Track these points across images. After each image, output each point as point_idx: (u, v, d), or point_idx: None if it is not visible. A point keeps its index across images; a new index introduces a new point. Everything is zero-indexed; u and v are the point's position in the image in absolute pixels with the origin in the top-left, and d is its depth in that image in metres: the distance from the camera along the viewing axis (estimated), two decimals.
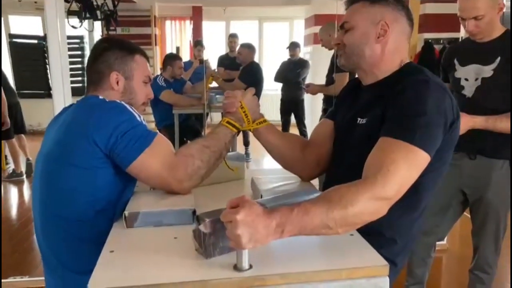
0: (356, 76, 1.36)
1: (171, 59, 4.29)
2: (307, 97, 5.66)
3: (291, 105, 5.64)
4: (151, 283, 0.85)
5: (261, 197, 1.26)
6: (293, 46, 5.70)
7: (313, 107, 6.03)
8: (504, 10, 1.79)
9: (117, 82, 1.34)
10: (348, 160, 1.25)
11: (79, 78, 6.71)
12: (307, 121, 5.81)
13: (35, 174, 1.33)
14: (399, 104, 1.09)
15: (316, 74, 6.52)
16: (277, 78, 5.62)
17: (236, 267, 0.90)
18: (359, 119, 1.23)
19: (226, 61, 5.62)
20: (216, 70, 4.94)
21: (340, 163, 1.30)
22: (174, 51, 6.88)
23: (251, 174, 1.57)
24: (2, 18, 6.52)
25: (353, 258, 0.93)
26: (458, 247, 3.13)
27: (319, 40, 3.79)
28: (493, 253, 1.97)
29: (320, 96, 3.98)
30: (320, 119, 3.87)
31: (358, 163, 1.08)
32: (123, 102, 1.27)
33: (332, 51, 3.76)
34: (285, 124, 5.74)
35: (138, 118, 1.25)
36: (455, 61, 1.94)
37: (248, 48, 4.76)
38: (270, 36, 8.72)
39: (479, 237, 2.00)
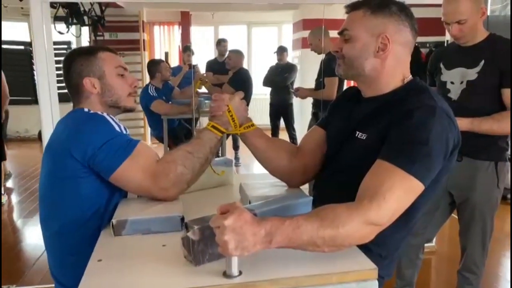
0: (353, 84, 1.35)
1: (156, 65, 4.25)
2: (296, 101, 5.68)
3: (280, 109, 5.65)
4: None
5: (250, 203, 1.26)
6: (281, 51, 5.72)
7: (303, 111, 6.05)
8: (488, 14, 1.82)
9: (93, 86, 1.33)
10: (342, 171, 1.23)
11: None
12: (296, 125, 5.83)
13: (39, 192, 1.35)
14: (403, 129, 1.06)
15: (305, 78, 6.55)
16: (265, 83, 5.64)
17: (226, 274, 0.90)
18: (358, 132, 1.19)
19: (215, 66, 5.61)
20: (205, 75, 4.92)
21: (333, 172, 1.27)
22: (163, 57, 6.85)
23: (239, 180, 1.57)
24: None
25: (343, 263, 0.94)
26: (447, 248, 3.16)
27: (309, 44, 3.81)
28: (480, 253, 1.99)
29: (309, 100, 4.00)
30: (310, 123, 3.90)
31: (353, 175, 1.08)
32: (104, 114, 1.28)
33: (321, 56, 3.78)
34: (275, 128, 5.75)
35: (118, 128, 1.25)
36: (441, 65, 1.96)
37: (237, 53, 4.77)
38: (258, 41, 8.73)
39: (466, 238, 2.02)
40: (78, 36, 6.29)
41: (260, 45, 8.69)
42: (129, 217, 1.12)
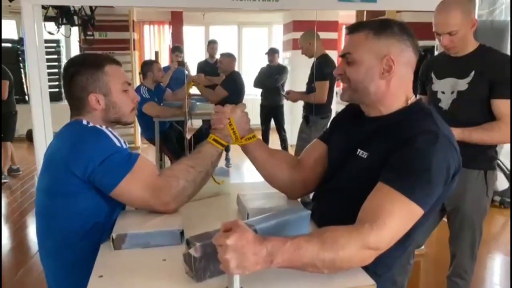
0: None
1: (148, 65, 4.23)
2: (287, 103, 5.70)
3: (271, 110, 5.68)
4: None
5: (248, 215, 1.28)
6: (272, 52, 5.74)
7: (294, 112, 6.09)
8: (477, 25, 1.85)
9: (98, 102, 1.31)
10: (342, 188, 1.23)
11: (56, 83, 6.58)
12: (286, 126, 5.85)
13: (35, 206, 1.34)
14: (406, 155, 1.06)
15: (295, 80, 6.58)
16: (256, 84, 5.65)
17: None
18: (359, 150, 1.19)
19: (205, 67, 5.61)
20: (197, 76, 4.90)
21: (333, 188, 1.28)
22: (153, 56, 6.81)
23: (235, 189, 1.59)
24: None
25: (343, 278, 0.96)
26: (436, 251, 3.21)
27: (300, 47, 3.82)
28: (469, 259, 2.03)
29: (300, 103, 4.02)
30: (301, 126, 3.92)
31: (352, 194, 1.09)
32: (103, 128, 1.26)
33: (312, 59, 3.80)
34: (265, 130, 5.77)
35: (118, 143, 1.24)
36: (432, 74, 2.00)
37: (229, 57, 4.75)
38: (249, 41, 8.74)
39: (456, 245, 2.06)
40: (68, 36, 6.24)
41: (250, 46, 8.70)
42: (128, 231, 1.13)
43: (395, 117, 1.19)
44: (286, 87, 5.96)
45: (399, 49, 1.15)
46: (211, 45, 5.68)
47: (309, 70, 3.87)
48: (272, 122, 5.78)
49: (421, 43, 4.34)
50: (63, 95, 1.40)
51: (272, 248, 0.88)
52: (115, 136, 1.26)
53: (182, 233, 1.15)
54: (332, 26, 6.85)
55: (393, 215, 0.99)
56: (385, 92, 1.18)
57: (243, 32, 8.68)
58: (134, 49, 7.00)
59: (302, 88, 4.05)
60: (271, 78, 5.56)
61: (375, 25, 1.18)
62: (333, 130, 1.40)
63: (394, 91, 1.18)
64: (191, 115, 4.07)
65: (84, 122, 1.30)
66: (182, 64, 4.98)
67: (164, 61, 7.23)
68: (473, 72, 1.82)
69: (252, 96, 6.42)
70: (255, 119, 5.97)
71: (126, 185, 1.19)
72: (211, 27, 8.52)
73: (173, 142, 4.28)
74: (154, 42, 8.09)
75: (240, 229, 0.87)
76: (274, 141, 5.80)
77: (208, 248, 0.95)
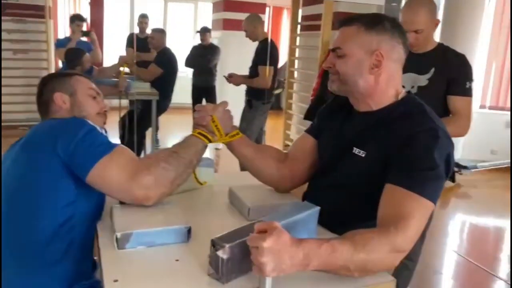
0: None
1: (78, 57, 3.72)
2: (218, 83, 5.64)
3: (203, 91, 5.57)
4: None
5: (249, 212, 1.25)
6: (204, 31, 5.58)
7: (224, 93, 6.05)
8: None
9: (63, 101, 1.33)
10: (338, 187, 1.24)
11: None
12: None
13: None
14: (410, 154, 1.08)
15: (226, 61, 6.52)
16: (188, 64, 5.50)
17: None
18: (355, 149, 1.20)
19: (136, 43, 5.30)
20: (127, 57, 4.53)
21: (328, 186, 1.28)
22: (67, 27, 6.24)
23: (220, 180, 1.56)
24: None
25: (366, 277, 0.98)
26: None
27: (244, 30, 3.76)
28: (418, 243, 2.19)
29: (242, 87, 3.98)
30: (243, 110, 3.91)
31: (351, 192, 1.13)
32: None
33: (256, 43, 3.78)
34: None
35: (100, 130, 1.23)
36: None
37: (160, 32, 4.55)
38: (175, 18, 8.43)
39: None
40: None
41: (177, 22, 8.41)
42: (134, 229, 1.05)
43: (387, 112, 1.20)
44: (220, 69, 5.89)
45: (389, 45, 1.17)
46: (142, 19, 5.37)
47: (240, 52, 3.83)
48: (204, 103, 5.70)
49: None
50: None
51: (308, 251, 0.88)
52: (97, 126, 1.23)
53: (189, 230, 1.09)
54: (261, 8, 6.85)
55: (413, 216, 1.01)
56: (374, 87, 1.19)
57: (169, 7, 8.34)
58: (50, 18, 6.38)
59: (233, 70, 4.01)
60: (203, 58, 5.44)
61: (367, 19, 1.19)
62: (322, 123, 1.39)
63: (383, 86, 1.19)
64: (127, 95, 3.85)
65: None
66: (86, 34, 4.63)
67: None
68: (433, 69, 1.95)
69: (183, 75, 6.25)
70: (185, 98, 5.85)
71: (104, 166, 1.13)
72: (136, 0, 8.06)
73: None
74: (69, 12, 7.46)
75: (277, 231, 0.85)
76: None
77: (235, 249, 0.92)
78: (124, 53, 5.15)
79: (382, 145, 1.15)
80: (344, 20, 1.22)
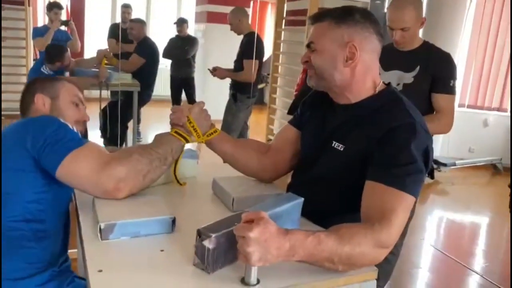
0: None
1: (59, 54, 3.63)
2: (202, 76, 5.61)
3: (182, 82, 5.59)
4: None
5: (233, 203, 1.25)
6: (181, 22, 5.55)
7: (207, 86, 6.02)
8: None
9: (44, 104, 1.32)
10: (318, 180, 1.25)
11: None
12: (198, 99, 5.77)
13: None
14: (389, 151, 1.09)
15: (209, 54, 6.49)
16: (166, 55, 5.45)
17: (244, 282, 0.90)
18: (335, 142, 1.21)
19: (118, 32, 5.21)
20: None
21: (309, 179, 1.29)
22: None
23: (203, 171, 1.55)
24: None
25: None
26: None
27: (229, 23, 3.74)
28: (400, 238, 2.23)
29: (225, 80, 3.97)
30: (228, 103, 3.89)
31: (334, 182, 1.16)
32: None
33: (241, 37, 3.76)
34: (176, 101, 5.68)
35: (72, 128, 1.23)
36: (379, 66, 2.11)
37: (140, 23, 4.48)
38: (158, 9, 8.32)
39: None
40: None
41: (159, 14, 8.30)
42: (117, 220, 1.04)
43: (365, 105, 1.20)
44: (200, 61, 5.85)
45: (362, 36, 1.16)
46: (125, 9, 5.25)
47: (224, 45, 3.82)
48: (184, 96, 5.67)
49: None
50: None
51: (295, 242, 0.88)
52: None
53: (174, 221, 1.09)
54: (246, 1, 6.83)
55: (396, 211, 1.02)
56: (351, 80, 1.19)
57: None
58: (29, 5, 6.22)
59: (216, 63, 3.99)
60: (181, 49, 5.44)
61: (336, 13, 1.19)
62: (304, 115, 1.39)
63: (360, 78, 1.19)
64: (108, 86, 3.79)
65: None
66: (65, 24, 4.53)
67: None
68: (418, 67, 1.97)
69: (162, 66, 6.21)
70: (164, 89, 5.81)
71: (73, 160, 1.12)
72: None
73: None
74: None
75: (264, 221, 0.86)
76: None
77: (221, 239, 0.92)
78: (105, 44, 5.09)
79: (361, 139, 1.16)
80: (315, 16, 1.22)
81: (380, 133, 1.12)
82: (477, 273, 2.83)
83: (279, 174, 1.42)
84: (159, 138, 1.28)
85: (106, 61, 3.95)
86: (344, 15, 1.17)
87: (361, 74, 1.19)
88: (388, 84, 1.26)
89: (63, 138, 1.15)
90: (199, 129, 1.32)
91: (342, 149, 1.20)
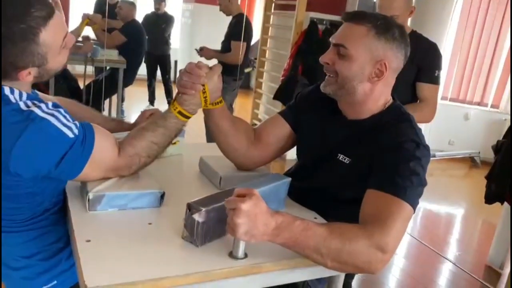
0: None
1: None
2: (184, 55, 5.56)
3: (157, 59, 5.64)
4: (154, 277, 0.82)
5: (220, 181, 1.26)
6: (159, 0, 5.53)
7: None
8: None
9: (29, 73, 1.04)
10: (320, 190, 1.23)
11: None
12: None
13: None
14: (393, 161, 1.07)
15: (196, 34, 6.42)
16: None
17: (232, 255, 0.92)
18: (340, 155, 1.17)
19: (105, 8, 5.09)
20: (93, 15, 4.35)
21: (309, 189, 1.25)
22: None
23: (189, 149, 1.56)
24: None
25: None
26: None
27: (218, 4, 3.69)
28: None
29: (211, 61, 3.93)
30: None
31: (332, 197, 1.15)
32: (45, 114, 0.97)
33: (230, 17, 3.73)
34: (151, 78, 5.75)
35: (66, 130, 0.98)
36: None
37: (130, 5, 4.40)
38: None
39: None
40: None
41: None
42: (106, 191, 1.04)
43: (374, 121, 1.17)
44: (186, 41, 5.79)
45: (394, 56, 1.12)
46: None
47: (212, 26, 3.78)
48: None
49: (329, 16, 4.52)
50: None
51: (282, 222, 0.88)
52: (60, 122, 0.98)
53: (163, 196, 1.09)
54: None
55: (393, 217, 0.98)
56: (369, 96, 1.15)
57: None
58: None
59: (203, 43, 3.94)
60: (157, 26, 5.46)
61: (378, 22, 1.11)
62: (301, 116, 1.32)
63: (377, 95, 1.16)
64: (93, 61, 3.72)
65: (12, 98, 0.98)
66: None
67: None
68: None
69: None
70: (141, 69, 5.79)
71: (86, 175, 1.04)
72: None
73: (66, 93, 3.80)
74: None
75: (255, 197, 0.87)
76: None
77: (211, 213, 0.93)
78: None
79: (368, 153, 1.12)
80: (352, 15, 1.14)
81: (386, 148, 1.10)
82: (450, 261, 2.92)
83: (257, 165, 1.36)
84: (164, 127, 1.14)
85: (88, 23, 3.96)
86: (385, 27, 1.11)
87: (379, 92, 1.16)
88: (394, 98, 1.23)
89: (70, 159, 1.00)
90: (209, 98, 1.16)
91: (348, 162, 1.17)
